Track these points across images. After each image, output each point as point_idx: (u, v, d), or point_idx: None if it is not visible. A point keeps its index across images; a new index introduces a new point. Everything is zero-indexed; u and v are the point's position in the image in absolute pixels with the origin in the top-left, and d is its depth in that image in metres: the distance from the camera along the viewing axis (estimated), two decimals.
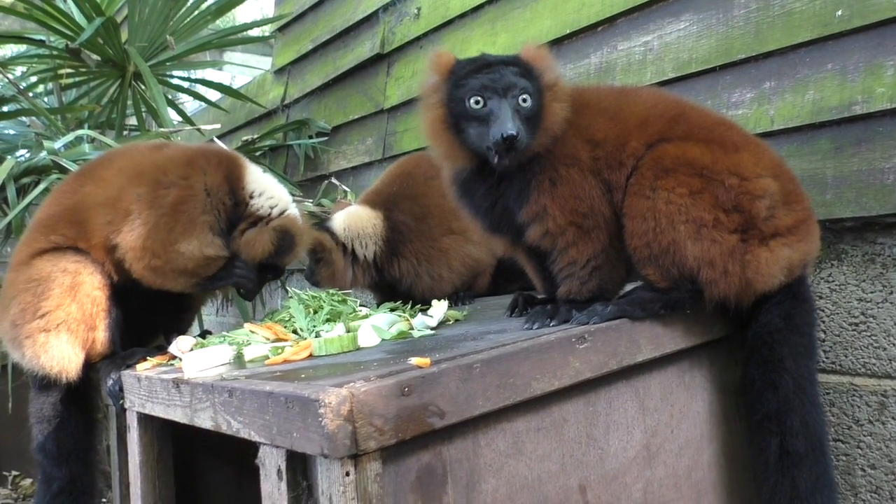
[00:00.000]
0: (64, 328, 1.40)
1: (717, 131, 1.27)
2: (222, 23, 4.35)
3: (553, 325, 1.19)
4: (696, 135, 1.25)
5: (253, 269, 1.51)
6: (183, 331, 1.69)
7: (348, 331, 1.33)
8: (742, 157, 1.21)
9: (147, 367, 1.37)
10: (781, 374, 1.19)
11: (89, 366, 1.46)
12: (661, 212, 1.18)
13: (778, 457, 1.17)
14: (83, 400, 1.54)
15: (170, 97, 3.21)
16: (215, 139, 3.14)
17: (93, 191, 1.47)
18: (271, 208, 1.52)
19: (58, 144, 2.28)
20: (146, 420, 1.34)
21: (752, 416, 1.23)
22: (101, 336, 1.44)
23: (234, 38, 3.39)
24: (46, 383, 1.46)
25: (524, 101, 1.20)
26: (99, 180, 1.49)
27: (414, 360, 0.95)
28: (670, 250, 1.18)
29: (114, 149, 1.73)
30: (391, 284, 1.91)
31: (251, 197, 1.50)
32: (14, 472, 3.03)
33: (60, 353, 1.40)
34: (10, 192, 2.09)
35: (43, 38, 2.87)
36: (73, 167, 2.07)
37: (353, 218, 1.87)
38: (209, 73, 4.61)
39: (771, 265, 1.18)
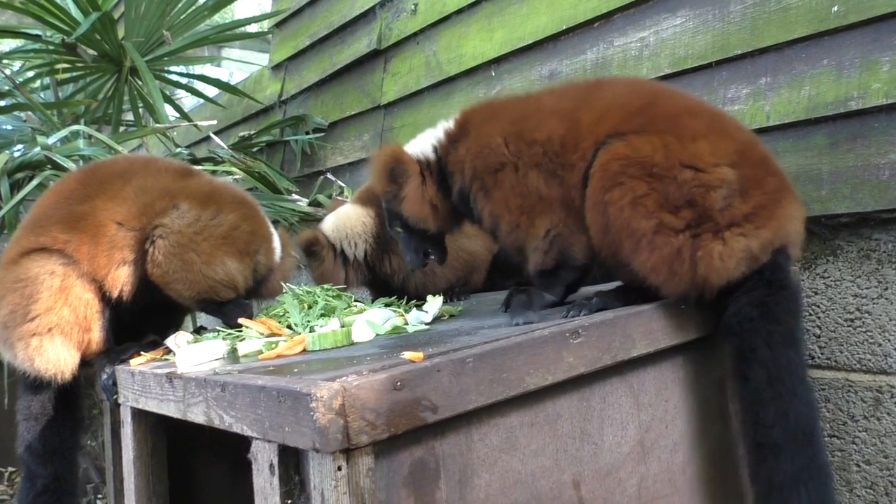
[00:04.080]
0: (57, 331, 1.39)
1: (679, 121, 1.25)
2: (220, 18, 4.34)
3: (535, 316, 1.23)
4: (655, 126, 1.24)
5: (251, 307, 1.56)
6: (177, 327, 1.69)
7: (342, 326, 1.33)
8: (698, 147, 1.20)
9: (141, 362, 1.37)
10: (752, 364, 1.16)
11: (82, 363, 1.45)
12: (611, 227, 1.22)
13: (751, 448, 1.16)
14: (72, 399, 1.54)
15: (167, 93, 3.20)
16: (212, 135, 3.14)
17: (105, 206, 1.44)
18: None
19: (51, 140, 2.27)
20: (140, 415, 1.34)
21: (735, 408, 1.23)
22: (96, 336, 1.43)
23: (232, 34, 3.39)
24: (38, 384, 1.45)
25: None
26: (114, 196, 1.46)
27: (407, 355, 0.95)
28: (621, 262, 1.24)
29: (124, 161, 1.67)
30: (385, 281, 1.90)
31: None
32: (10, 469, 3.02)
33: (56, 356, 1.39)
34: (4, 187, 2.08)
35: (39, 32, 2.87)
36: (66, 163, 2.07)
37: (343, 218, 1.86)
38: (206, 69, 4.59)
39: (725, 259, 1.16)
